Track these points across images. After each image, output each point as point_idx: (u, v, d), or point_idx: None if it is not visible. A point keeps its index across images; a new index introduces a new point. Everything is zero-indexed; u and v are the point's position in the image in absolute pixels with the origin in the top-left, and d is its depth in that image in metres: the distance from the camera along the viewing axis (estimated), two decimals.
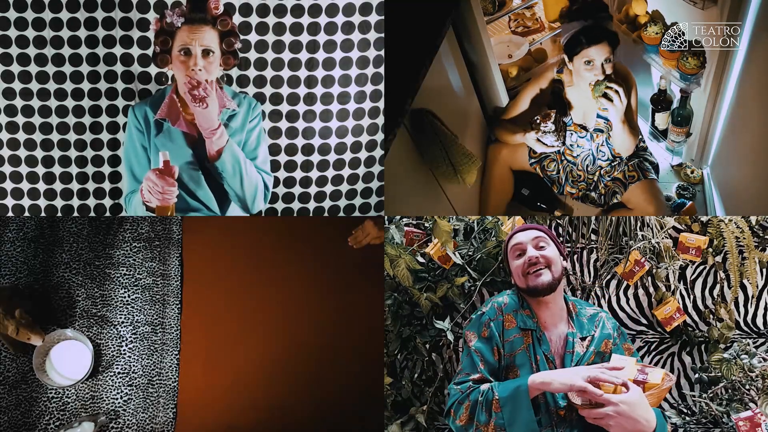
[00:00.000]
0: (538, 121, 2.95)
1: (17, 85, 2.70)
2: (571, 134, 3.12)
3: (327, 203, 2.87)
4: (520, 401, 1.91)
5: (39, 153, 2.75)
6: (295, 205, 2.87)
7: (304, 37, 2.74)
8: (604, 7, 2.84)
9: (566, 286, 2.68)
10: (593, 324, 2.16)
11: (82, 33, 2.68)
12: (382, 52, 2.75)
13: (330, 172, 2.85)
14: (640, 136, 3.13)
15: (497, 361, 2.09)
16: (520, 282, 2.18)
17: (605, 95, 2.82)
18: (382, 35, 2.74)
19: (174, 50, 2.37)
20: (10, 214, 2.77)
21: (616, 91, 2.80)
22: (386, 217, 2.67)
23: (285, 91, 2.78)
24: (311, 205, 2.87)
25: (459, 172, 2.87)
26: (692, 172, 3.43)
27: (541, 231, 2.22)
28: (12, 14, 2.65)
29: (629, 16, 3.32)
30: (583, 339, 2.12)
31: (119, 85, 2.73)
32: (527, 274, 2.15)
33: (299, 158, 2.83)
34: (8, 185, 2.77)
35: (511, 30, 3.76)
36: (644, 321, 2.71)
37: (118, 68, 2.72)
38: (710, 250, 2.63)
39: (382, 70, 2.77)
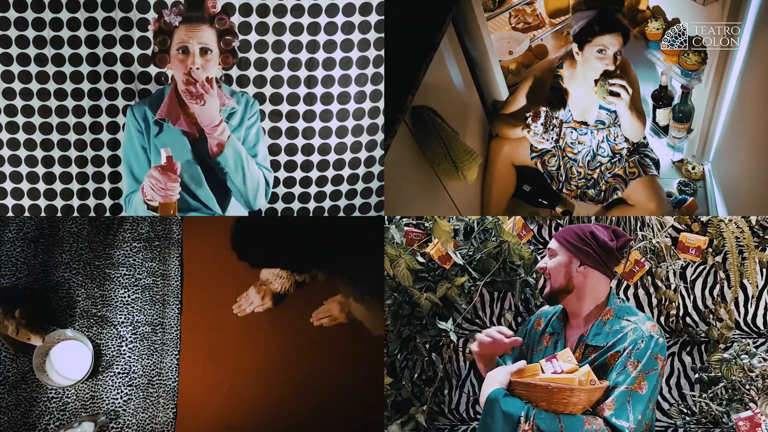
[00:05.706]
0: (529, 121, 2.92)
1: (17, 85, 2.69)
2: (572, 132, 3.11)
3: (327, 203, 2.87)
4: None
5: (39, 153, 2.75)
6: (295, 205, 2.87)
7: (304, 37, 2.73)
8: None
9: None
10: (615, 337, 2.03)
11: (82, 33, 2.67)
12: (382, 52, 2.75)
13: (330, 172, 2.85)
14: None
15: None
16: None
17: (611, 92, 2.81)
18: (382, 35, 2.73)
19: (172, 49, 2.37)
20: (10, 214, 2.77)
21: (621, 86, 2.79)
22: (386, 217, 2.67)
23: (285, 91, 2.77)
24: (311, 205, 2.87)
25: (460, 168, 2.87)
26: (693, 168, 3.42)
27: (558, 240, 2.15)
28: (12, 14, 2.64)
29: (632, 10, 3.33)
30: (591, 347, 2.04)
31: (119, 85, 2.73)
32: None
33: (299, 158, 2.83)
34: (8, 185, 2.76)
35: (512, 26, 3.75)
36: None
37: (118, 68, 2.71)
38: (710, 250, 2.63)
39: (382, 70, 2.76)
